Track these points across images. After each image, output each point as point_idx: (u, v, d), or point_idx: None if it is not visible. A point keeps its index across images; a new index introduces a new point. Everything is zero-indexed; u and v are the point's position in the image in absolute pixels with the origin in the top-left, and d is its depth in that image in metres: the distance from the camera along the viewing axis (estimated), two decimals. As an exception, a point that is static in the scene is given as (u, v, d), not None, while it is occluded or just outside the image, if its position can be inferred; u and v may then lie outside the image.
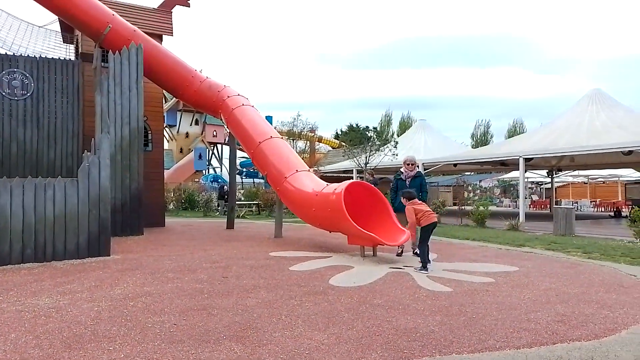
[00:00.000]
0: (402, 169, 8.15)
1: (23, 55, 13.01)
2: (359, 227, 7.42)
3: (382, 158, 19.73)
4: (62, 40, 15.92)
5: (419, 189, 7.75)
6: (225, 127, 23.60)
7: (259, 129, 11.28)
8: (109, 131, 9.74)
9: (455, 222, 15.97)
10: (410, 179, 7.94)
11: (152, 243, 9.60)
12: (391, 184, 8.37)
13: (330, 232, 8.85)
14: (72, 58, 14.21)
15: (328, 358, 3.28)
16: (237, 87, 13.09)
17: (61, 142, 13.13)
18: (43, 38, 16.26)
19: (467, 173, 29.96)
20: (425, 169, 20.57)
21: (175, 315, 4.32)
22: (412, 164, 8.08)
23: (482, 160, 20.14)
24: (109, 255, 7.61)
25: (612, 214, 23.55)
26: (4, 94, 12.42)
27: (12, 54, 12.97)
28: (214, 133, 35.13)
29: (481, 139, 52.35)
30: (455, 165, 20.33)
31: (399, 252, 7.80)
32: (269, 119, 25.33)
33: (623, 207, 25.29)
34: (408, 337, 3.71)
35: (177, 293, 5.16)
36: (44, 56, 13.44)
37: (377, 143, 21.67)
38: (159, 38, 14.09)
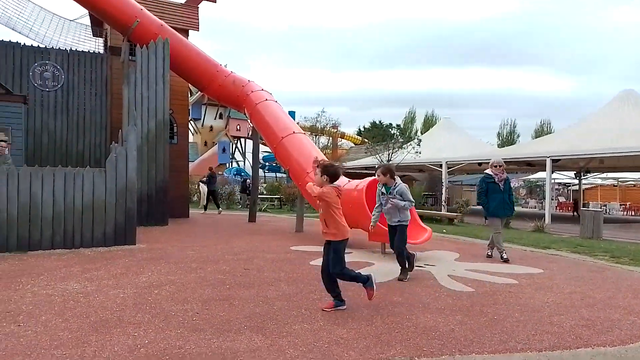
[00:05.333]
0: (488, 171, 7.63)
1: (54, 47, 13.37)
2: (380, 225, 7.40)
3: (405, 155, 19.58)
4: (91, 33, 16.28)
5: (508, 192, 7.46)
6: (249, 121, 23.81)
7: (282, 124, 11.35)
8: (136, 123, 9.93)
9: (479, 222, 15.76)
10: (503, 182, 7.44)
11: (177, 234, 9.78)
12: (477, 186, 7.85)
13: (351, 228, 8.83)
14: (101, 51, 14.54)
15: (347, 352, 3.29)
16: (261, 82, 13.20)
17: (90, 133, 13.47)
18: (74, 31, 16.65)
19: (491, 173, 29.42)
20: (448, 168, 20.36)
21: (198, 304, 4.41)
22: (501, 166, 7.56)
23: (508, 160, 19.78)
24: (135, 244, 7.79)
25: (642, 218, 22.84)
26: (35, 85, 12.79)
27: (44, 46, 13.34)
28: (238, 127, 35.47)
29: (507, 139, 51.42)
30: (479, 164, 20.02)
31: (505, 257, 7.36)
32: (292, 114, 25.40)
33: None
34: (428, 335, 3.70)
35: (200, 283, 5.25)
36: (74, 49, 13.78)
37: (400, 140, 21.52)
38: (185, 33, 14.28)
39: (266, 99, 12.24)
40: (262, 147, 22.39)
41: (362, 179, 8.47)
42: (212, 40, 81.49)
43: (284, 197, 21.71)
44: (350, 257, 7.17)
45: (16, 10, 13.97)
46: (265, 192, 23.62)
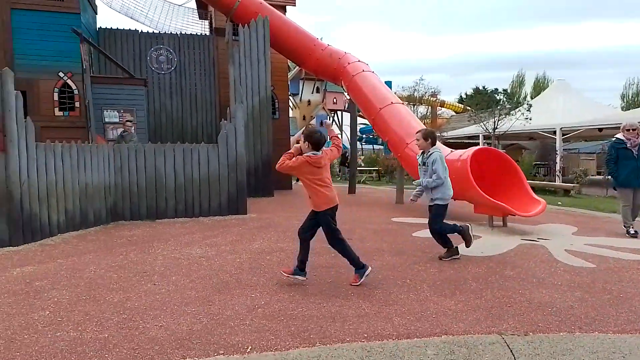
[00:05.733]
0: (619, 136, 6.92)
1: (167, 32, 14.46)
2: (487, 196, 7.09)
3: (513, 122, 18.27)
4: (197, 16, 17.29)
5: None
6: (346, 94, 23.81)
7: (380, 95, 11.20)
8: (242, 101, 10.47)
9: (600, 194, 14.34)
10: (637, 148, 6.71)
11: (282, 204, 10.27)
12: (607, 154, 7.18)
13: (454, 199, 8.56)
14: (207, 33, 15.41)
15: (455, 323, 3.27)
16: (356, 53, 13.07)
17: (201, 111, 14.50)
18: (182, 15, 17.83)
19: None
20: (563, 135, 18.66)
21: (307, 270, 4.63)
22: (635, 130, 6.79)
23: (635, 124, 17.57)
24: (246, 214, 8.35)
25: None
26: (153, 68, 14.00)
27: (158, 32, 14.49)
28: (334, 100, 35.69)
29: (633, 100, 45.53)
30: (600, 130, 18.05)
31: (633, 232, 6.65)
32: (388, 84, 24.91)
33: None
34: (543, 311, 3.52)
35: (307, 251, 5.49)
36: (184, 32, 14.79)
37: (507, 106, 20.09)
38: (283, 9, 14.55)
39: (363, 70, 12.13)
40: (358, 119, 22.40)
41: (465, 148, 8.12)
42: (308, 13, 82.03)
43: (383, 169, 21.61)
44: (455, 229, 6.98)
45: None
46: (363, 165, 23.70)
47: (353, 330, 3.12)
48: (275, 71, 13.73)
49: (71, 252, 5.57)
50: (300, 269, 4.23)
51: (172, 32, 14.53)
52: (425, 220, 7.96)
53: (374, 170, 22.23)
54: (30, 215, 6.07)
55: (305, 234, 4.31)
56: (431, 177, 5.02)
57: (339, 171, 22.33)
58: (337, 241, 4.26)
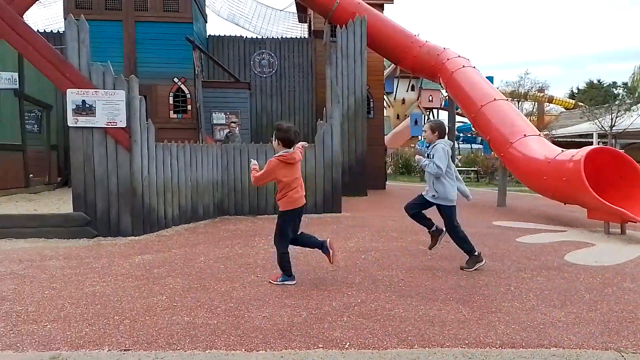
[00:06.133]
0: None
1: (268, 37, 15.15)
2: (603, 200, 6.46)
3: (635, 119, 16.40)
4: (297, 20, 17.88)
5: None
6: (443, 91, 23.06)
7: (481, 91, 10.70)
8: (339, 101, 10.63)
9: None
10: None
11: (375, 204, 10.27)
12: None
13: (564, 203, 7.94)
14: (306, 36, 15.88)
15: (566, 336, 3.04)
16: (457, 49, 12.60)
17: (299, 112, 15.01)
18: (283, 20, 18.57)
19: None
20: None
21: (402, 271, 4.60)
22: None
23: None
24: (340, 213, 8.49)
25: None
26: (256, 72, 14.76)
27: (260, 37, 15.25)
28: (430, 98, 34.74)
29: None
30: None
31: None
32: (490, 79, 23.67)
33: None
34: (673, 331, 3.14)
35: (402, 251, 5.45)
36: (284, 36, 15.38)
37: (627, 102, 18.08)
38: (381, 7, 14.49)
39: (463, 66, 11.67)
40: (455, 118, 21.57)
41: (578, 148, 7.48)
42: (406, 9, 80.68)
43: (482, 170, 20.61)
44: (564, 236, 6.48)
45: (238, 7, 16.27)
46: (460, 165, 22.80)
47: (453, 336, 3.04)
48: (371, 71, 13.73)
49: (184, 243, 6.10)
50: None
51: (274, 37, 15.20)
52: (531, 225, 7.51)
53: (472, 170, 21.28)
54: (149, 208, 6.74)
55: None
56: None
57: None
58: (280, 244, 4.28)
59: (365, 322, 3.27)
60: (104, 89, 6.31)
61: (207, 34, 14.32)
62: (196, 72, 11.43)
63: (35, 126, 11.40)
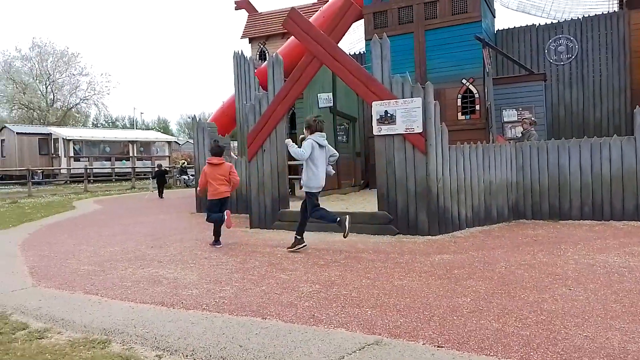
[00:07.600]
0: None
1: (566, 20, 13.44)
2: None
3: None
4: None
5: None
6: None
7: None
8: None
9: None
10: None
11: None
12: None
13: None
14: (615, 9, 13.36)
15: None
16: None
17: (606, 100, 12.79)
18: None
19: None
20: None
21: None
22: None
23: None
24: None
25: None
26: (551, 61, 13.33)
27: (555, 21, 13.67)
28: None
29: None
30: None
31: None
32: None
33: None
34: None
35: None
36: (587, 15, 13.35)
37: None
38: None
39: None
40: None
41: None
42: None
43: None
44: None
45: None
46: None
47: None
48: None
49: (479, 245, 6.00)
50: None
51: (572, 19, 13.41)
52: None
53: None
54: (443, 209, 6.92)
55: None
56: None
57: None
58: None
59: None
60: (402, 97, 6.84)
61: (496, 29, 13.78)
62: (487, 71, 11.13)
63: (345, 137, 13.32)
